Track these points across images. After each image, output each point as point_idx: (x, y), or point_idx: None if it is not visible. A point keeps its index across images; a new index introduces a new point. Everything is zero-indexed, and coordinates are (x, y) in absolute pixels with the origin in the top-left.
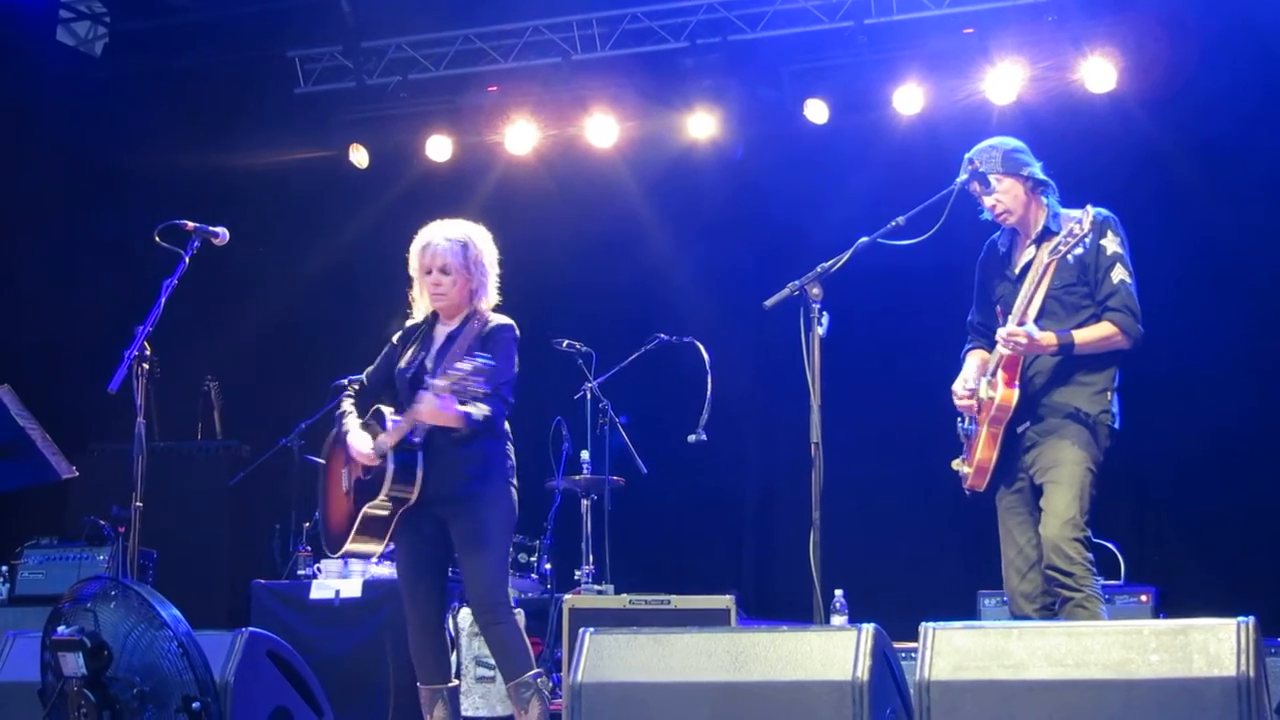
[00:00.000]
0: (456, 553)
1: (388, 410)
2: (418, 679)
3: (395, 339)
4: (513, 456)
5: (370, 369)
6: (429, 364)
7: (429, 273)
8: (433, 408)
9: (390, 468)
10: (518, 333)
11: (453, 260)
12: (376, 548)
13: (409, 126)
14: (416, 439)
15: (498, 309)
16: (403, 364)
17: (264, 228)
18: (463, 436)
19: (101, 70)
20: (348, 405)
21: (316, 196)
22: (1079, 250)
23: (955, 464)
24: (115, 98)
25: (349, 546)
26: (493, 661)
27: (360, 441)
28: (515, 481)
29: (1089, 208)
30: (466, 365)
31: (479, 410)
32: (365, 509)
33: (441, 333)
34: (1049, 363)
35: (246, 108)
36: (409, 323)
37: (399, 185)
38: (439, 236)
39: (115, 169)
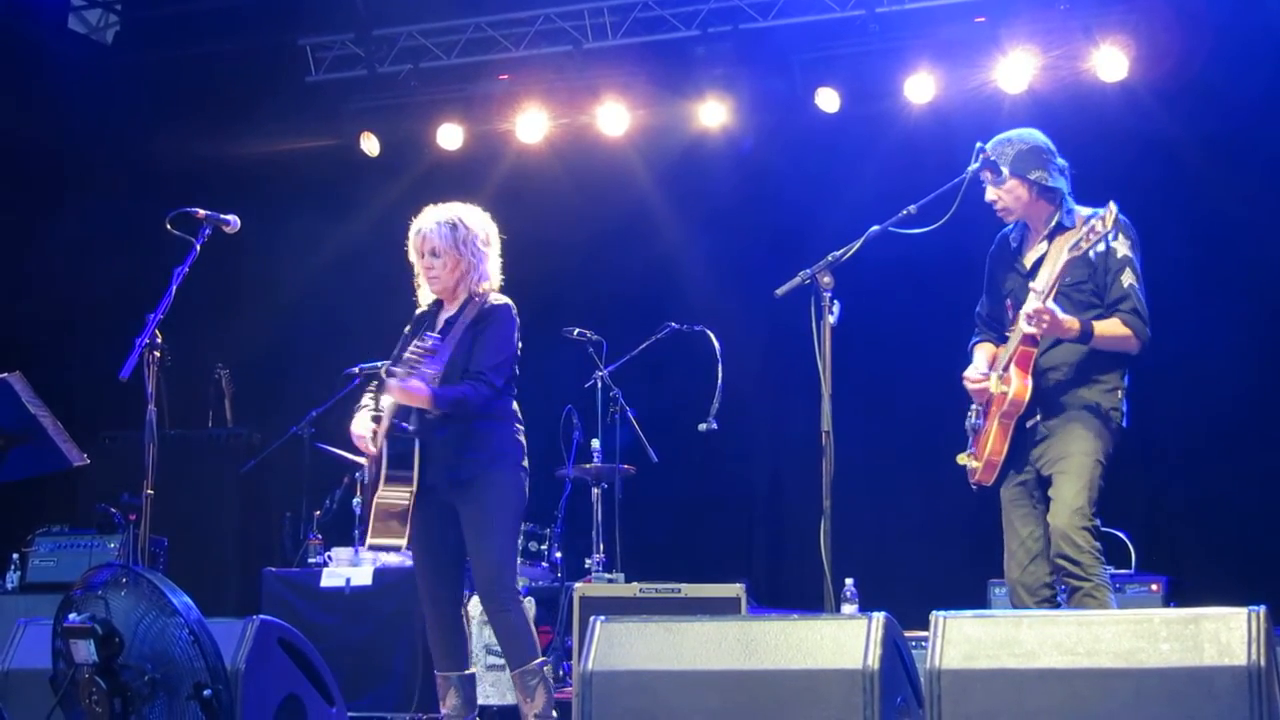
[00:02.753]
0: (465, 538)
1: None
2: (434, 666)
3: (407, 328)
4: (522, 439)
5: (390, 360)
6: None
7: (422, 256)
8: (396, 388)
9: (384, 456)
10: (515, 314)
11: (440, 243)
12: (399, 540)
13: (420, 115)
14: (409, 426)
15: (502, 290)
16: (403, 351)
17: (275, 216)
18: (461, 420)
19: (113, 58)
20: (366, 398)
21: (328, 185)
22: (1100, 247)
23: (961, 458)
24: (126, 86)
25: (370, 539)
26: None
27: (360, 428)
28: (525, 464)
29: (1111, 205)
30: (420, 346)
31: (454, 391)
32: (376, 500)
33: (443, 319)
34: (1062, 358)
35: (258, 96)
36: (418, 310)
37: (410, 173)
38: (428, 220)
39: (126, 157)
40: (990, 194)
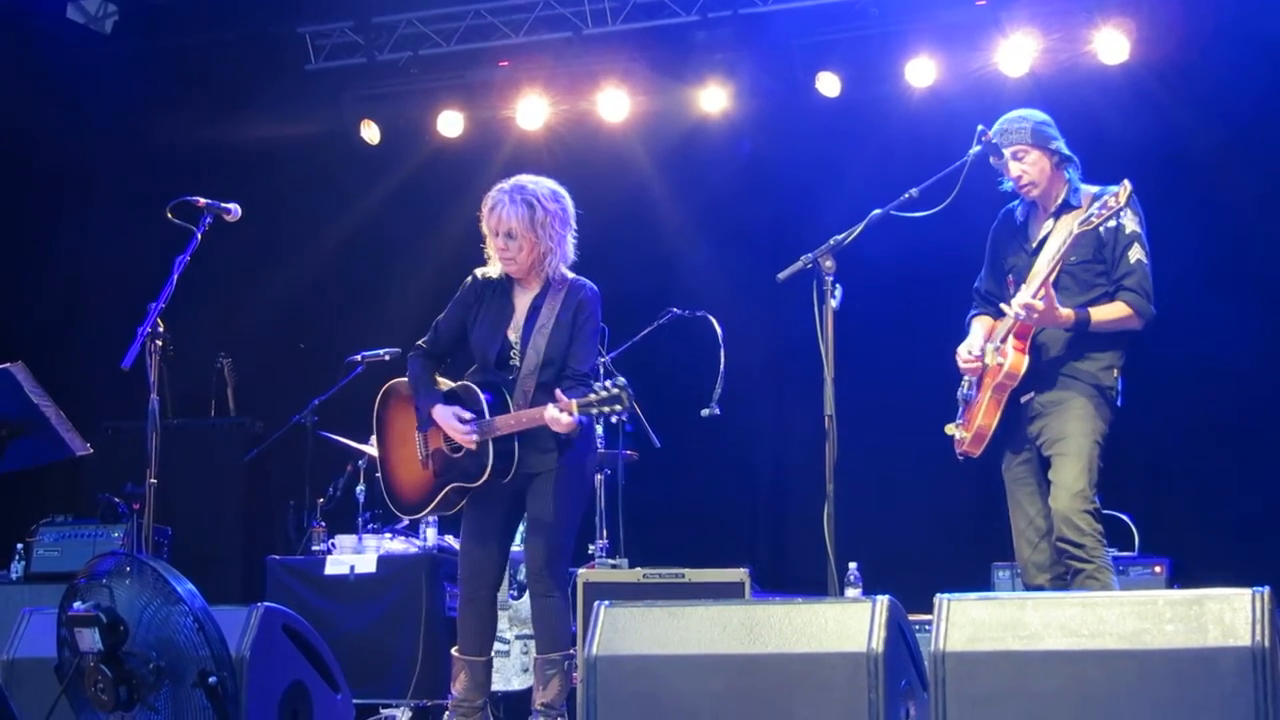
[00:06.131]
0: (526, 521)
1: (480, 393)
2: (456, 645)
3: (468, 284)
4: (596, 425)
5: (440, 318)
6: (513, 338)
7: (495, 235)
8: (567, 424)
9: (490, 455)
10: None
11: (518, 224)
12: (449, 512)
13: (420, 102)
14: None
15: (574, 267)
16: (481, 331)
17: (276, 204)
18: None
19: (112, 47)
20: (420, 367)
21: (328, 173)
22: (1112, 223)
23: (950, 428)
24: (126, 75)
25: (427, 514)
26: (507, 636)
27: (453, 421)
28: (596, 446)
29: (1125, 183)
30: (602, 393)
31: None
32: (455, 485)
33: (523, 302)
34: (1060, 334)
35: (257, 84)
36: (481, 273)
37: (411, 161)
38: (505, 198)
39: (126, 146)
40: (1015, 170)
